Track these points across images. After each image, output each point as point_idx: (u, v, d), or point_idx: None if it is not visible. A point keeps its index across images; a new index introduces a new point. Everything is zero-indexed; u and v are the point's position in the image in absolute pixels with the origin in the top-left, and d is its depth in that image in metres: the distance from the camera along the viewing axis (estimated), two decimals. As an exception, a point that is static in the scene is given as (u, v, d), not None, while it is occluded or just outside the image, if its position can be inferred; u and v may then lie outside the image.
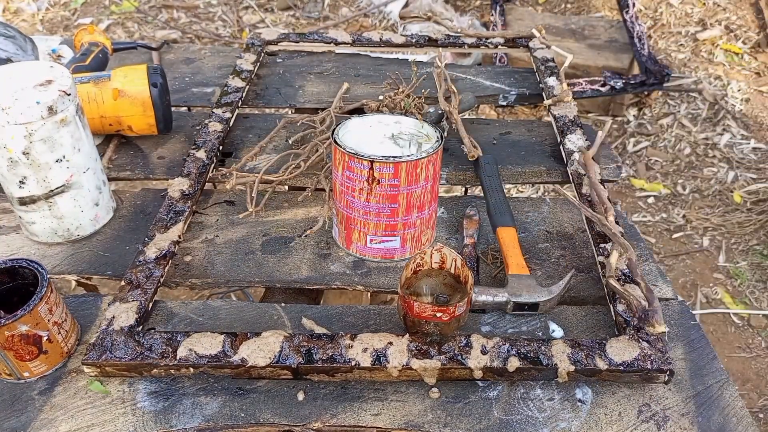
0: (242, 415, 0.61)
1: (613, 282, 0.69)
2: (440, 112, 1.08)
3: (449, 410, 0.62)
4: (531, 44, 1.27)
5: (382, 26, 3.49)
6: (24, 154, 0.73)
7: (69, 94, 0.74)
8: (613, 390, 0.64)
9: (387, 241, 0.77)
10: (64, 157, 0.75)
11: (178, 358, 0.64)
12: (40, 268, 0.64)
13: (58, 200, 0.78)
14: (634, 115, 2.81)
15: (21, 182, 0.75)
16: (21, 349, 0.62)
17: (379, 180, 0.72)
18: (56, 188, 0.77)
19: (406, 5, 3.47)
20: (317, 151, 0.93)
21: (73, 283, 0.91)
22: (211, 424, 0.61)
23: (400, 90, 1.07)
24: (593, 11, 3.53)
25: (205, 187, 0.92)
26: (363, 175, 0.72)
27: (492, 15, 3.09)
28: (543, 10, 3.55)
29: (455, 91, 1.06)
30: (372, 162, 0.71)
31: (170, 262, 0.77)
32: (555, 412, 0.62)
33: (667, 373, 0.63)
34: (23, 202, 0.77)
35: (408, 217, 0.76)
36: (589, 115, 2.75)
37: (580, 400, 0.63)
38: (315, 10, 3.64)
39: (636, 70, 2.78)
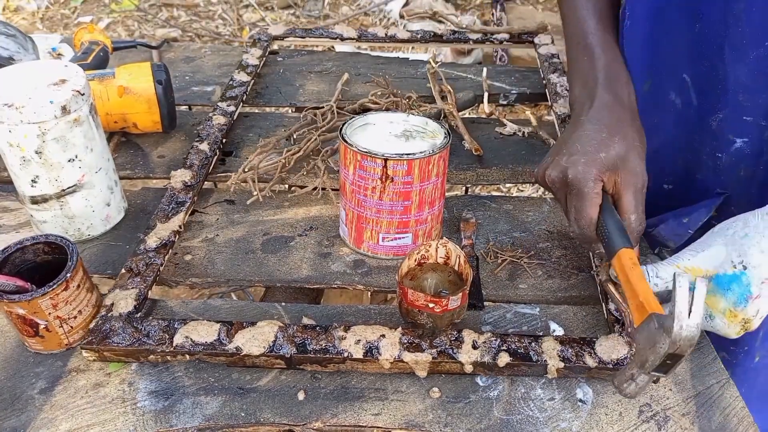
0: (242, 414, 0.61)
1: (611, 286, 0.68)
2: (471, 96, 1.08)
3: (450, 410, 0.62)
4: (536, 40, 1.27)
5: (383, 25, 3.49)
6: (37, 153, 0.73)
7: (83, 94, 0.74)
8: (614, 390, 0.64)
9: (399, 238, 0.78)
10: (76, 156, 0.76)
11: (174, 344, 0.64)
12: (72, 260, 0.64)
13: (69, 200, 0.78)
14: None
15: (33, 181, 0.75)
16: (19, 325, 0.64)
17: (392, 178, 0.72)
18: (68, 188, 0.77)
19: (406, 4, 3.47)
20: (315, 140, 0.94)
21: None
22: (211, 424, 0.61)
23: (394, 90, 1.07)
24: (594, 10, 3.52)
25: (205, 186, 0.92)
26: (376, 173, 0.72)
27: (492, 13, 3.08)
28: (543, 9, 3.54)
29: (450, 90, 1.06)
30: (386, 160, 0.71)
31: (170, 251, 0.78)
32: (556, 411, 0.62)
33: None
34: (35, 201, 0.77)
35: (420, 213, 0.76)
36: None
37: (580, 400, 0.63)
38: (315, 9, 3.64)
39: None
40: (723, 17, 0.68)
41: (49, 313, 0.63)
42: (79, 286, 0.65)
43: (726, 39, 0.69)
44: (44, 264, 0.68)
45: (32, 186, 0.76)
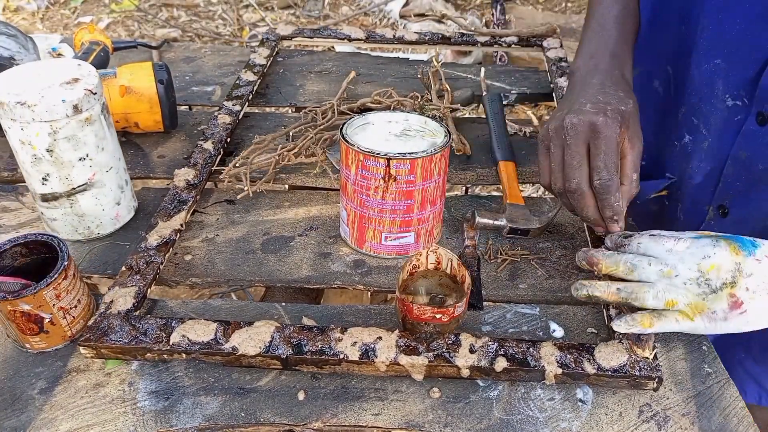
0: (242, 414, 0.61)
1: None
2: (468, 94, 1.09)
3: (450, 410, 0.62)
4: (545, 43, 1.27)
5: (383, 25, 3.49)
6: (48, 151, 0.73)
7: (95, 93, 0.74)
8: (614, 390, 0.64)
9: (402, 237, 0.78)
10: (87, 155, 0.76)
11: (171, 343, 0.64)
12: (63, 251, 0.65)
13: (79, 198, 0.78)
14: (634, 114, 2.81)
15: (44, 179, 0.76)
16: (22, 324, 0.64)
17: (395, 177, 0.72)
18: (78, 186, 0.77)
19: (406, 4, 3.47)
20: (311, 137, 0.94)
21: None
22: (211, 424, 0.61)
23: (412, 95, 1.07)
24: (594, 10, 3.52)
25: (206, 186, 0.92)
26: (379, 173, 0.72)
27: (492, 14, 3.08)
28: (543, 9, 3.55)
29: (448, 88, 1.06)
30: (389, 159, 0.71)
31: (171, 249, 0.78)
32: (556, 411, 0.62)
33: (656, 380, 0.62)
34: (45, 198, 0.77)
35: (422, 212, 0.76)
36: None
37: (580, 400, 0.63)
38: (315, 9, 3.64)
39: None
40: (697, 24, 0.73)
41: (53, 305, 0.64)
42: (74, 274, 0.66)
43: (695, 44, 0.74)
44: (23, 267, 0.68)
45: (43, 184, 0.76)
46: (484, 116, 1.11)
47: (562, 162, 0.69)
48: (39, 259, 0.67)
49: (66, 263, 0.64)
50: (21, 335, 0.65)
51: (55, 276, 0.63)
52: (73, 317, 0.67)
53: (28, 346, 0.66)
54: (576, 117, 0.67)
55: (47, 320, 0.64)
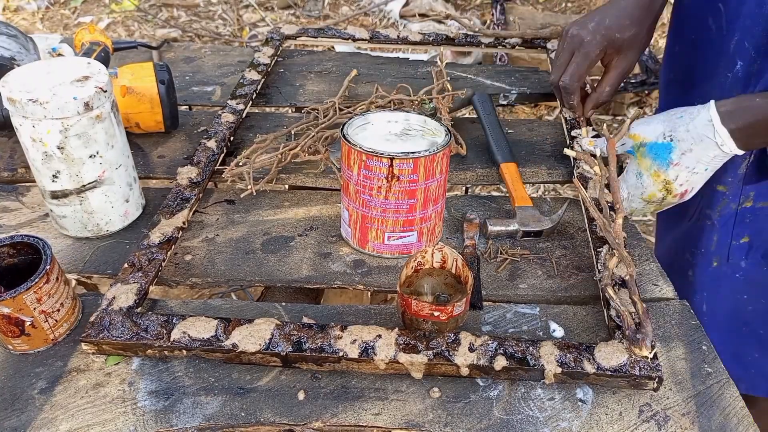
0: (243, 414, 0.61)
1: (611, 291, 0.68)
2: (470, 93, 1.09)
3: (450, 410, 0.62)
4: (549, 45, 1.27)
5: (383, 25, 3.49)
6: (59, 148, 0.73)
7: (105, 91, 0.75)
8: (614, 389, 0.64)
9: (405, 236, 0.78)
10: (97, 152, 0.76)
11: (171, 340, 0.64)
12: (46, 255, 0.64)
13: (89, 195, 0.78)
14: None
15: (54, 176, 0.76)
16: (3, 326, 0.64)
17: (398, 177, 0.72)
18: (88, 183, 0.77)
19: (406, 4, 3.47)
20: (313, 136, 0.94)
21: (74, 282, 0.91)
22: (211, 424, 0.61)
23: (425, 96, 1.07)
24: (594, 10, 3.52)
25: (207, 186, 0.92)
26: (382, 173, 0.72)
27: (492, 14, 3.09)
28: (543, 9, 3.54)
29: (449, 88, 1.06)
30: (392, 159, 0.71)
31: (173, 247, 0.78)
32: (556, 411, 0.62)
33: (656, 380, 0.62)
34: (55, 195, 0.78)
35: (425, 211, 0.76)
36: (590, 114, 2.75)
37: (581, 400, 0.63)
38: (315, 9, 3.64)
39: (636, 69, 2.78)
40: None
41: (34, 308, 0.63)
42: (57, 278, 0.66)
43: None
44: (11, 267, 0.67)
45: (53, 181, 0.76)
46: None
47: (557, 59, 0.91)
48: (27, 259, 0.67)
49: (48, 267, 0.64)
50: (3, 337, 0.65)
51: (36, 280, 0.62)
52: (56, 321, 0.66)
53: (10, 347, 0.66)
54: (576, 29, 0.88)
55: (28, 323, 0.64)
